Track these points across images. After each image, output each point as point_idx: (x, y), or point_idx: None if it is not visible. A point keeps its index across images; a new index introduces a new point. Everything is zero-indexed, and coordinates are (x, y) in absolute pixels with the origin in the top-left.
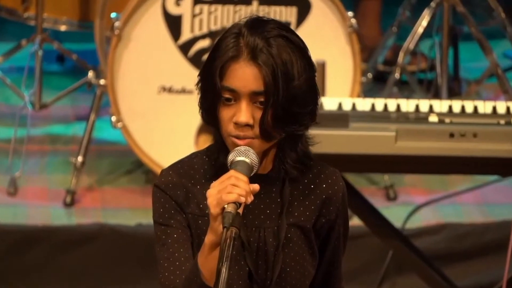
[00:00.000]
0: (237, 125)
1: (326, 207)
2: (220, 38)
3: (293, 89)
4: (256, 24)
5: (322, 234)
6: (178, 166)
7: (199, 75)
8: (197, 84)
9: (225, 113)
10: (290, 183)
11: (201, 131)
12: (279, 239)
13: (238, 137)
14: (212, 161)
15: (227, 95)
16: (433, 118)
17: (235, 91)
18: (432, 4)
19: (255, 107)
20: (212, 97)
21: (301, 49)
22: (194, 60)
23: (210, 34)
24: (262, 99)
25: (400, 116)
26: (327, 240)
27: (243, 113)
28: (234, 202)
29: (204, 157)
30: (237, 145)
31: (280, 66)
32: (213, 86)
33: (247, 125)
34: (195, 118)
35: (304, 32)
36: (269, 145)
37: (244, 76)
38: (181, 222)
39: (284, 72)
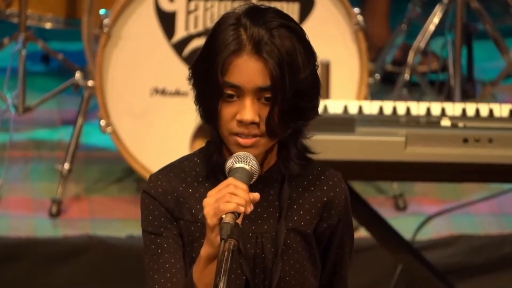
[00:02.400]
0: (241, 123)
1: (327, 211)
2: (215, 30)
3: (299, 83)
4: (256, 14)
5: (324, 241)
6: (168, 170)
7: (191, 68)
8: (190, 79)
9: (227, 111)
10: (289, 184)
11: (196, 136)
12: (277, 245)
13: (242, 135)
14: (204, 163)
15: (229, 92)
16: (445, 122)
17: (239, 87)
18: (444, 0)
19: (260, 103)
20: (213, 94)
21: (303, 39)
22: (189, 60)
23: (206, 32)
24: (268, 95)
25: (410, 120)
26: (328, 247)
27: (248, 111)
28: (233, 212)
29: (196, 159)
30: (241, 144)
31: (286, 58)
32: (215, 83)
33: (252, 123)
34: (190, 122)
35: (307, 30)
36: (273, 143)
37: (249, 71)
38: (172, 230)
39: (290, 65)
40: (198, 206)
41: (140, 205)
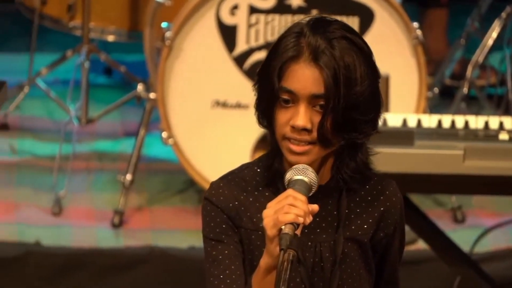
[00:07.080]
0: (294, 128)
1: (384, 220)
2: (280, 37)
3: (354, 95)
4: (319, 24)
5: (380, 250)
6: (229, 178)
7: (257, 74)
8: (255, 84)
9: (282, 116)
10: (346, 194)
11: (257, 148)
12: (336, 255)
13: (294, 140)
14: (264, 172)
15: (285, 97)
16: (503, 136)
17: (293, 93)
18: (503, 14)
19: (314, 111)
20: (269, 98)
21: (365, 53)
22: (250, 73)
23: (267, 46)
24: (321, 103)
25: (468, 134)
26: (385, 256)
27: (301, 117)
28: (292, 223)
29: (256, 168)
30: (292, 150)
31: (342, 69)
32: (271, 87)
33: (304, 129)
34: (251, 135)
35: None
36: (326, 153)
37: (304, 77)
38: (232, 237)
39: (346, 76)
40: (259, 215)
41: (202, 211)
